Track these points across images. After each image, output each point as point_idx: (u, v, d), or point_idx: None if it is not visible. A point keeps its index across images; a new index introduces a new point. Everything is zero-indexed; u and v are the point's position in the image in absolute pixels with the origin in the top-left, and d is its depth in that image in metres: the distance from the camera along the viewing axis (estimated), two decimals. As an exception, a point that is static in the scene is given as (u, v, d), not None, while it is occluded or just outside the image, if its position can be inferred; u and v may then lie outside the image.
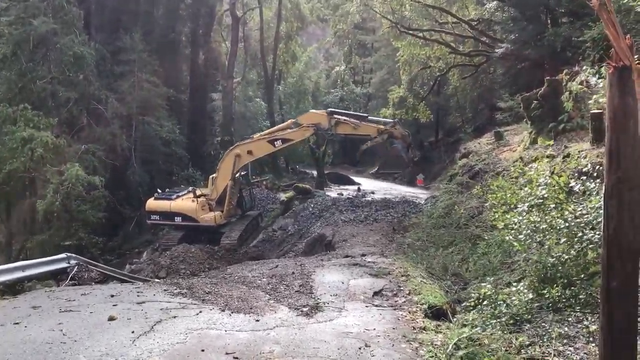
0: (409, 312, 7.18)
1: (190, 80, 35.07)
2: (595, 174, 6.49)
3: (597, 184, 6.37)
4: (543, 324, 5.93)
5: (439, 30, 29.78)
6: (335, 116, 19.33)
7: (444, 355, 5.43)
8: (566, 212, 6.34)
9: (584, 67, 13.33)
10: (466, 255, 10.73)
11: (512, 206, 7.21)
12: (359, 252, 11.98)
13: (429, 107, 33.55)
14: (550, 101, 14.30)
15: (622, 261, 3.50)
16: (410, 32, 29.90)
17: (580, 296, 5.91)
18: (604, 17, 3.44)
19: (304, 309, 7.28)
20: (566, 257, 6.09)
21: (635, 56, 3.48)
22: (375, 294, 8.15)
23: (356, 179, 32.50)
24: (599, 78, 11.74)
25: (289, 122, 20.62)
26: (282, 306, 7.45)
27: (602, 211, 3.82)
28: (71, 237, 21.16)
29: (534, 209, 6.74)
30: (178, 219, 19.59)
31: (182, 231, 19.70)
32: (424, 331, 6.38)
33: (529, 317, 6.12)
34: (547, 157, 11.87)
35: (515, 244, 6.87)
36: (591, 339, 5.44)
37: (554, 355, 5.22)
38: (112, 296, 7.59)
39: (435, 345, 5.83)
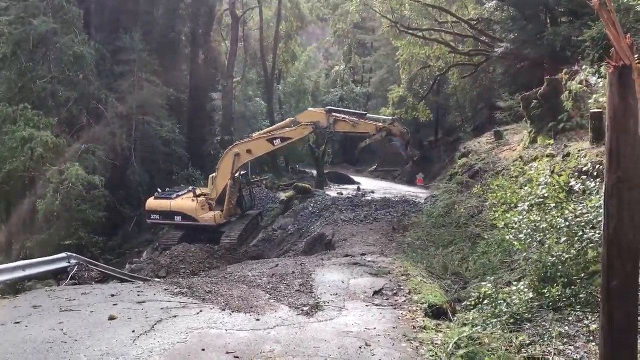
0: (410, 312, 7.18)
1: (190, 80, 35.07)
2: (595, 174, 6.51)
3: (597, 184, 6.39)
4: (543, 323, 5.93)
5: (439, 30, 29.78)
6: (334, 114, 19.25)
7: (444, 355, 5.44)
8: (566, 212, 6.36)
9: (584, 67, 13.35)
10: (466, 255, 10.73)
11: (513, 205, 7.23)
12: (359, 251, 11.99)
13: (429, 107, 33.55)
14: (550, 101, 14.30)
15: (623, 261, 3.50)
16: (410, 31, 29.89)
17: (581, 295, 5.93)
18: (604, 16, 3.44)
19: (305, 309, 7.29)
20: (566, 256, 6.11)
21: (636, 56, 3.48)
22: (376, 293, 8.15)
23: (356, 179, 32.52)
24: (598, 77, 11.76)
25: (287, 120, 20.59)
26: (283, 305, 7.45)
27: (602, 210, 3.82)
28: (71, 237, 21.18)
29: (534, 208, 6.76)
30: (178, 219, 19.61)
31: (182, 231, 19.71)
32: (425, 330, 6.38)
33: (530, 316, 6.13)
34: (547, 156, 11.89)
35: (515, 243, 6.89)
36: (591, 338, 5.44)
37: (555, 354, 5.22)
38: (113, 296, 7.60)
39: (436, 344, 5.83)
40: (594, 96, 11.47)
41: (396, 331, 6.30)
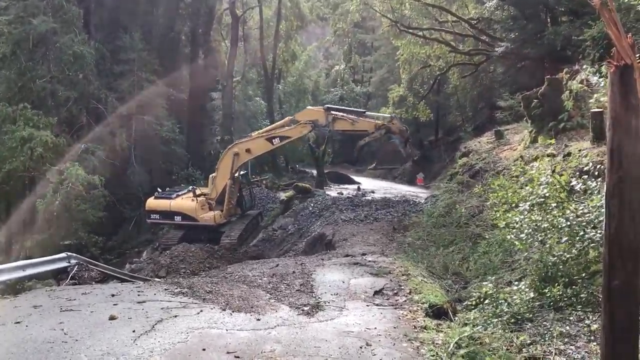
0: (410, 311, 7.18)
1: (190, 79, 35.04)
2: (596, 173, 6.51)
3: (598, 183, 6.38)
4: (544, 323, 5.93)
5: (439, 29, 29.74)
6: (333, 112, 19.08)
7: (445, 354, 5.44)
8: (567, 211, 6.35)
9: (584, 66, 13.34)
10: (467, 254, 10.73)
11: (513, 205, 7.23)
12: (359, 251, 11.99)
13: (429, 106, 33.49)
14: (551, 100, 14.30)
15: (623, 260, 3.50)
16: (410, 30, 29.85)
17: (582, 295, 5.92)
18: (605, 16, 3.44)
19: (305, 308, 7.28)
20: (567, 256, 6.10)
21: (637, 55, 3.48)
22: (376, 293, 8.15)
23: (356, 178, 32.51)
24: (599, 77, 11.75)
25: (286, 119, 20.52)
26: (283, 305, 7.45)
27: (603, 210, 3.82)
28: (71, 237, 21.13)
29: (535, 208, 6.75)
30: (178, 218, 19.58)
31: (182, 230, 19.69)
32: (425, 330, 6.38)
33: (530, 316, 6.13)
34: (548, 156, 11.87)
35: (516, 242, 6.89)
36: (592, 337, 5.44)
37: (555, 354, 5.22)
38: (113, 295, 7.60)
39: (437, 344, 5.83)
40: (595, 95, 11.47)
41: (397, 331, 6.30)
